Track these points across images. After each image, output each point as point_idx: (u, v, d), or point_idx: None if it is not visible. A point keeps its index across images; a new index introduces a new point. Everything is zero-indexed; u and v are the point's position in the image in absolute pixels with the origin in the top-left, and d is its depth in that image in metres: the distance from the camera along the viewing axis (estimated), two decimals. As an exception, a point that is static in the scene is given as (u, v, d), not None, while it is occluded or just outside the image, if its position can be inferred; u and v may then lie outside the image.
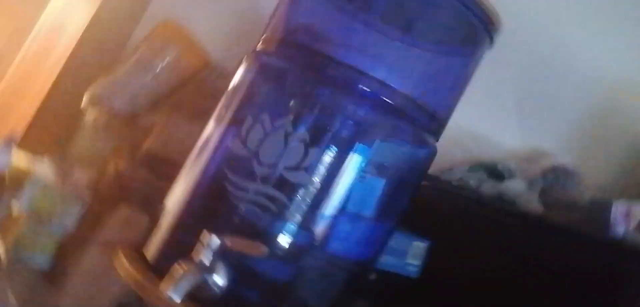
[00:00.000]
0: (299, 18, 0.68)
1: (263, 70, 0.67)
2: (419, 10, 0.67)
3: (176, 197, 0.64)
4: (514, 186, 1.23)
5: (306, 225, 0.58)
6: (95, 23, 1.09)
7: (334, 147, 0.59)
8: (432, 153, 0.69)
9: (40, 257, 0.84)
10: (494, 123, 1.34)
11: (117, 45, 1.14)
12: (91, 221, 0.82)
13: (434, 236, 0.89)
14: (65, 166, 0.90)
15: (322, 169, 0.58)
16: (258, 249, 0.54)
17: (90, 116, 0.97)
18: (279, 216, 0.58)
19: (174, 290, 0.50)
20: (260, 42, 0.69)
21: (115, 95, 1.01)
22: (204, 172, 0.63)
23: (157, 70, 1.04)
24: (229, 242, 0.52)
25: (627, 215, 0.79)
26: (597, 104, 1.40)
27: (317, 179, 0.58)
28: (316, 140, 0.59)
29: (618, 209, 0.80)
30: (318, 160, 0.58)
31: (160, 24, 1.08)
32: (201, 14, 1.13)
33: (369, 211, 0.62)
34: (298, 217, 0.58)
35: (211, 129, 0.66)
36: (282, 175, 0.58)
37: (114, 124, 0.97)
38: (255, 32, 0.82)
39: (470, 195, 1.11)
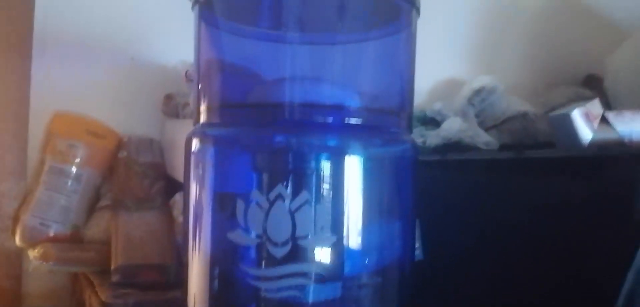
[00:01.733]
0: (226, 78, 0.64)
1: (221, 144, 0.61)
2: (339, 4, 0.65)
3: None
4: (452, 125, 1.26)
5: (339, 273, 0.55)
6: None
7: (329, 190, 0.56)
8: (411, 146, 0.68)
9: None
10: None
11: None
12: None
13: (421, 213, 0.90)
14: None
15: (331, 217, 0.55)
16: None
17: (36, 260, 0.85)
18: (308, 289, 0.54)
19: None
20: (202, 115, 0.63)
21: (47, 218, 0.90)
22: (222, 283, 0.57)
23: (74, 175, 0.94)
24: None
25: (588, 117, 0.82)
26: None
27: (331, 233, 0.55)
28: (313, 194, 0.55)
29: (577, 115, 0.83)
30: (326, 212, 0.55)
31: (54, 119, 0.97)
32: (84, 90, 1.01)
33: (381, 221, 0.60)
34: (331, 271, 0.55)
35: (195, 227, 0.60)
36: (299, 245, 0.54)
37: (62, 255, 0.86)
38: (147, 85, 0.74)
39: (429, 158, 1.12)
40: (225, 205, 0.58)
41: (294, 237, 0.54)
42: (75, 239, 0.92)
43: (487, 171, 0.98)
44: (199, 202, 0.60)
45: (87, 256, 0.88)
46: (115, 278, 0.79)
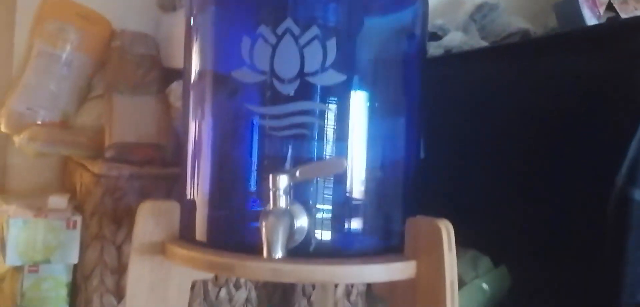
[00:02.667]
0: None
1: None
2: None
3: (208, 165, 0.55)
4: (453, 38, 1.23)
5: (347, 129, 0.52)
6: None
7: (345, 30, 0.53)
8: (419, 6, 0.64)
9: None
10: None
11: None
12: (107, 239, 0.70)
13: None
14: (34, 199, 0.75)
15: (346, 61, 0.52)
16: (339, 165, 0.47)
17: (23, 142, 0.81)
18: (318, 130, 0.51)
19: (277, 248, 0.44)
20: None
21: (35, 104, 0.86)
22: (227, 124, 0.54)
23: (64, 60, 0.90)
24: (299, 173, 0.46)
25: (593, 3, 0.80)
26: None
27: (346, 74, 0.51)
28: (326, 31, 0.52)
29: (584, 1, 0.81)
30: (338, 51, 0.52)
31: (44, 2, 0.92)
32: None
33: (397, 98, 0.57)
34: (338, 124, 0.52)
35: (201, 79, 0.56)
36: (307, 82, 0.51)
37: (51, 136, 0.82)
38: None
39: (433, 57, 1.09)
40: (230, 44, 0.54)
41: (302, 73, 0.51)
42: (64, 126, 0.88)
43: (489, 60, 0.95)
44: (202, 46, 0.57)
45: (78, 139, 0.84)
46: (109, 154, 0.76)
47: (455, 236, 0.93)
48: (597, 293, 0.69)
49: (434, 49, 1.20)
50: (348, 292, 0.89)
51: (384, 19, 0.57)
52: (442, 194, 0.96)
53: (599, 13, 0.80)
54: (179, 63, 0.91)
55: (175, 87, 0.90)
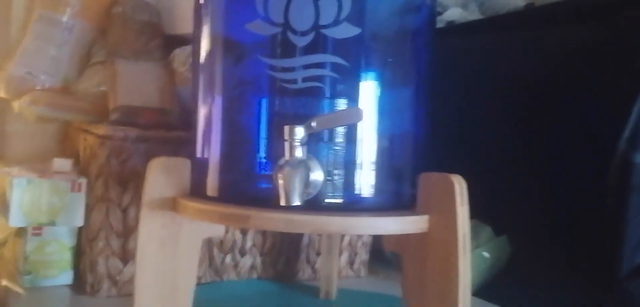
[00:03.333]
0: None
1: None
2: None
3: (220, 120, 0.55)
4: (453, 14, 1.24)
5: (361, 82, 0.52)
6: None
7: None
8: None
9: (61, 273, 0.71)
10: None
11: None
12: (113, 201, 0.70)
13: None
14: (37, 164, 0.75)
15: (361, 13, 0.52)
16: (356, 114, 0.47)
17: (24, 105, 0.80)
18: (339, 81, 0.51)
19: (294, 196, 0.44)
20: None
21: (36, 69, 0.85)
22: (240, 77, 0.54)
23: (65, 20, 0.88)
24: (315, 123, 0.46)
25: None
26: None
27: (362, 27, 0.51)
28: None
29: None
30: (351, 5, 0.51)
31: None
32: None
33: (413, 56, 0.57)
34: (353, 78, 0.52)
35: (213, 32, 0.56)
36: (323, 34, 0.51)
37: (53, 100, 0.81)
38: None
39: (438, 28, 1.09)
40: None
41: (316, 26, 0.51)
42: (66, 91, 0.87)
43: (491, 30, 0.96)
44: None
45: (81, 104, 0.83)
46: (114, 117, 0.75)
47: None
48: (598, 255, 0.70)
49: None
50: (351, 261, 0.90)
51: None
52: (444, 165, 0.97)
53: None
54: (181, 30, 0.92)
55: (179, 52, 0.89)
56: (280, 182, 0.46)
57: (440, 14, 1.25)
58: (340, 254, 0.87)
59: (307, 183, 0.48)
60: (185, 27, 0.82)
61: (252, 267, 0.82)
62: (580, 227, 0.74)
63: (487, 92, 0.89)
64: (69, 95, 0.85)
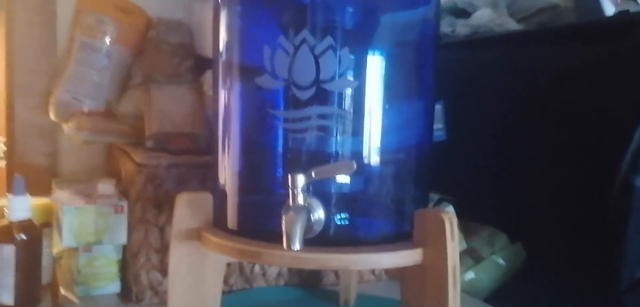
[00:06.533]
0: None
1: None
2: None
3: (235, 161, 0.61)
4: (481, 15, 1.24)
5: (360, 129, 0.58)
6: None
7: (355, 39, 0.57)
8: (434, 5, 0.68)
9: (107, 284, 0.81)
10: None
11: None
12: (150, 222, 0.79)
13: (443, 95, 0.91)
14: (86, 183, 0.84)
15: (354, 67, 0.57)
16: (349, 167, 0.53)
17: (71, 132, 0.89)
18: (333, 131, 0.57)
19: (295, 241, 0.50)
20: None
21: (80, 94, 0.94)
22: (251, 125, 0.60)
23: (105, 50, 0.97)
24: (314, 174, 0.51)
25: (613, -11, 0.81)
26: None
27: (355, 80, 0.56)
28: (338, 40, 0.57)
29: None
30: (349, 59, 0.56)
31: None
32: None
33: (404, 98, 0.62)
34: (352, 124, 0.57)
35: (227, 82, 0.62)
36: (323, 88, 0.56)
37: (97, 125, 0.90)
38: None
39: (456, 41, 1.12)
40: (252, 52, 0.60)
41: (318, 80, 0.56)
42: (108, 114, 0.96)
43: (508, 45, 0.98)
44: (229, 57, 0.63)
45: (121, 127, 0.92)
46: (149, 144, 0.83)
47: (475, 213, 0.98)
48: (601, 270, 0.73)
49: (460, 27, 1.22)
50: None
51: (396, 24, 0.61)
52: (464, 175, 1.01)
53: (617, 1, 0.81)
54: (210, 53, 0.98)
55: (209, 75, 0.96)
56: (284, 226, 0.53)
57: (470, 14, 1.27)
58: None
59: (309, 225, 0.54)
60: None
61: (279, 274, 0.90)
62: (587, 240, 0.77)
63: (505, 106, 0.92)
64: (111, 119, 0.94)
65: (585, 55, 0.79)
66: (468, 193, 0.97)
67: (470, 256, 0.96)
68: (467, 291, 0.94)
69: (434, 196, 0.97)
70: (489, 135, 0.96)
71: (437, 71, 0.67)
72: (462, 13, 1.27)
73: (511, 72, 0.91)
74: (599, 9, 0.82)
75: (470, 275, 0.93)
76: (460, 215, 0.96)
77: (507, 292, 0.87)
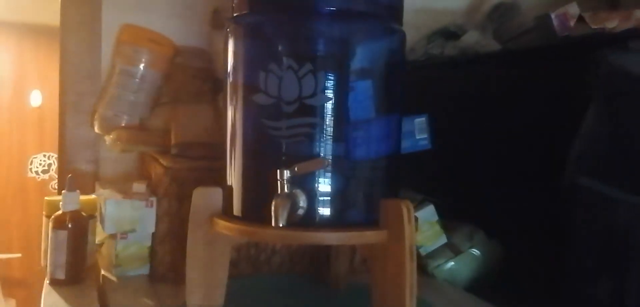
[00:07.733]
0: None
1: (249, 30, 0.79)
2: None
3: (239, 161, 0.77)
4: (469, 38, 1.38)
5: (337, 135, 0.73)
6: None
7: (330, 65, 0.73)
8: (402, 37, 0.82)
9: (140, 266, 0.98)
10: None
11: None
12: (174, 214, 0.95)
13: (427, 109, 1.05)
14: (122, 184, 1.02)
15: (331, 87, 0.72)
16: (321, 164, 0.68)
17: (112, 141, 1.08)
18: (314, 136, 0.72)
19: (280, 220, 0.65)
20: (233, 10, 0.81)
21: (119, 111, 1.12)
22: (250, 133, 0.76)
23: (139, 75, 1.15)
24: (297, 169, 0.67)
25: (565, 17, 0.94)
26: None
27: (331, 97, 0.72)
28: (317, 66, 0.72)
29: (556, 16, 0.95)
30: (325, 80, 0.72)
31: (122, 30, 1.17)
32: (145, 6, 1.21)
33: (371, 111, 0.76)
34: (331, 132, 0.72)
35: (233, 99, 0.78)
36: (305, 103, 0.72)
37: (132, 137, 1.08)
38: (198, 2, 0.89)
39: (442, 61, 1.26)
40: (255, 78, 0.75)
41: (301, 97, 0.71)
42: (142, 128, 1.14)
43: (483, 65, 1.12)
44: (236, 78, 0.79)
45: (152, 138, 1.10)
46: (174, 151, 1.00)
47: (456, 213, 1.11)
48: (556, 260, 0.86)
49: (449, 49, 1.36)
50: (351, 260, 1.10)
51: (364, 53, 0.76)
52: (447, 180, 1.15)
53: (570, 25, 0.94)
54: (227, 76, 1.15)
55: (225, 95, 1.13)
56: (272, 209, 0.68)
57: (459, 36, 1.41)
58: (354, 254, 1.07)
59: (294, 210, 0.69)
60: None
61: (281, 263, 1.05)
62: (550, 235, 0.90)
63: (480, 121, 1.06)
64: (144, 131, 1.12)
65: (544, 74, 0.92)
66: (450, 195, 1.11)
67: (451, 250, 1.09)
68: (448, 279, 1.07)
69: (418, 197, 1.11)
70: (469, 145, 1.09)
71: (409, 88, 0.82)
72: (453, 36, 1.41)
73: (484, 88, 1.05)
74: (551, 31, 0.95)
75: (450, 264, 1.07)
76: (441, 215, 1.11)
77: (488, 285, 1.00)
